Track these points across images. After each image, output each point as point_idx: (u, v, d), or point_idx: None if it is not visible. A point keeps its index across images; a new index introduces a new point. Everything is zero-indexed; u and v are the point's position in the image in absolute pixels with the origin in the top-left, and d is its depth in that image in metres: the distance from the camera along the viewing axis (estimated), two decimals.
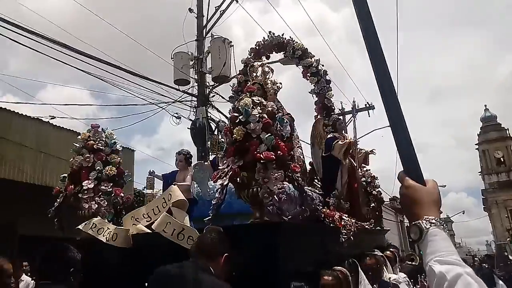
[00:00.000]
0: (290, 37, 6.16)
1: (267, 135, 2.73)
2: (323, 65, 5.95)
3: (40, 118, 8.75)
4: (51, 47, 7.16)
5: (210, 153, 5.82)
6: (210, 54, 9.69)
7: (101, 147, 3.51)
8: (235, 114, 2.86)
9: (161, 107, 9.81)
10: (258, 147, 2.71)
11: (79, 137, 3.60)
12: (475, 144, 45.92)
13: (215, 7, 10.15)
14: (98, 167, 3.40)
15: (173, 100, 9.80)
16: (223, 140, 3.47)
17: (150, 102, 9.63)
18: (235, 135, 2.77)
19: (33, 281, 5.34)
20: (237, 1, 10.03)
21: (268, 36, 6.27)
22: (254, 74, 5.48)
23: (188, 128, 9.22)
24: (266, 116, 2.83)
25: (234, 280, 2.32)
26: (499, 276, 6.76)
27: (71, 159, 3.51)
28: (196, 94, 9.83)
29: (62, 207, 3.45)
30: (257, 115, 2.79)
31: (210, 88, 9.95)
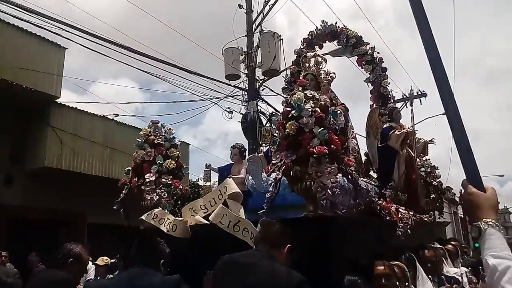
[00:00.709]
0: (344, 25, 6.02)
1: (320, 129, 2.74)
2: (378, 53, 5.78)
3: (106, 116, 9.58)
4: (103, 45, 7.53)
5: (264, 145, 5.90)
6: (260, 48, 9.83)
7: (161, 142, 3.71)
8: (288, 109, 2.88)
9: (214, 102, 10.02)
10: (311, 141, 2.72)
11: (141, 132, 3.82)
12: None
13: (264, 1, 10.21)
14: (159, 161, 3.59)
15: (225, 95, 10.02)
16: (275, 133, 3.52)
17: (204, 98, 9.89)
18: (288, 130, 2.80)
19: (93, 265, 5.83)
20: None
21: (321, 25, 6.18)
22: (307, 65, 5.44)
23: (239, 121, 9.44)
24: (318, 110, 2.83)
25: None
26: None
27: (134, 153, 3.74)
28: (247, 88, 9.97)
29: (127, 198, 3.69)
30: (310, 109, 2.79)
31: (260, 82, 10.05)
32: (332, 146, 2.74)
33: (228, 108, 9.98)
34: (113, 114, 9.42)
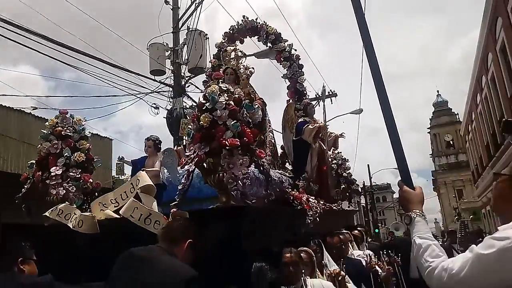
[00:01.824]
0: (264, 21, 6.17)
1: (233, 122, 2.80)
2: (295, 50, 6.02)
3: (22, 109, 8.85)
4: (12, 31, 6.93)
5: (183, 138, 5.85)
6: (186, 45, 9.81)
7: (69, 134, 3.49)
8: (202, 101, 2.90)
9: (140, 98, 9.80)
10: (224, 133, 2.77)
11: (47, 123, 3.57)
12: (427, 128, 49.07)
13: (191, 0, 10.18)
14: (66, 154, 3.39)
15: (151, 91, 9.86)
16: (190, 126, 3.53)
17: (130, 93, 9.61)
18: (201, 122, 2.82)
19: None
20: None
21: (242, 20, 6.26)
22: (227, 59, 5.50)
23: (164, 117, 9.34)
24: (232, 103, 2.88)
25: (200, 263, 2.42)
26: (457, 250, 7.15)
27: (39, 145, 3.49)
28: (172, 85, 9.91)
29: (30, 193, 3.44)
30: (224, 102, 2.84)
31: (186, 79, 10.07)
32: (244, 138, 2.81)
33: (154, 104, 9.88)
34: (31, 107, 8.72)
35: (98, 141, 10.70)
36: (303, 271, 2.90)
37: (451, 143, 47.10)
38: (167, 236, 2.18)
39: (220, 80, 3.15)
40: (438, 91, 51.12)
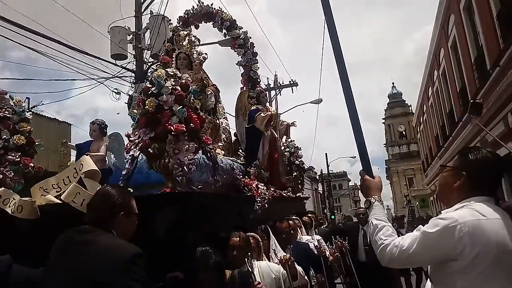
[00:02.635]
0: (219, 7, 6.11)
1: (179, 107, 2.79)
2: (250, 37, 6.02)
3: None
4: None
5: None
6: (148, 30, 9.67)
7: (8, 115, 3.33)
8: (148, 86, 2.86)
9: (100, 82, 9.48)
10: (170, 119, 2.76)
11: None
12: (382, 119, 51.49)
13: None
14: (4, 136, 3.23)
15: (112, 75, 9.61)
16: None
17: (90, 77, 9.33)
18: (147, 107, 2.79)
19: None
20: None
21: (197, 5, 6.16)
22: (180, 43, 5.42)
23: (125, 102, 9.13)
24: (179, 89, 2.87)
25: (147, 249, 2.42)
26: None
27: None
28: (134, 70, 9.70)
29: None
30: (170, 87, 2.82)
31: (149, 64, 9.84)
32: (191, 124, 2.82)
33: (116, 89, 9.64)
34: None
35: (56, 125, 10.33)
36: (249, 253, 2.98)
37: (404, 133, 49.49)
38: (99, 217, 2.06)
39: (168, 64, 3.10)
40: (393, 83, 53.45)
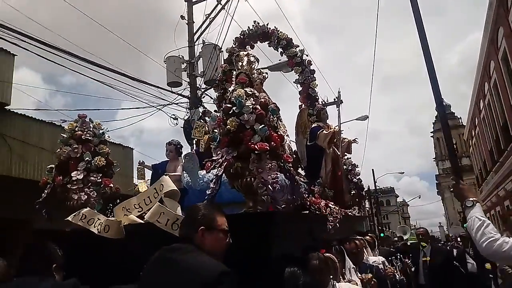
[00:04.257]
0: (275, 27, 6.17)
1: (260, 126, 2.77)
2: (307, 55, 6.02)
3: (53, 122, 9.42)
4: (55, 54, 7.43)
5: (195, 141, 5.82)
6: (201, 58, 10.31)
7: (89, 138, 3.46)
8: (229, 105, 2.88)
9: (159, 109, 10.10)
10: (252, 137, 2.75)
11: (66, 127, 3.53)
12: (430, 132, 49.38)
13: (205, 15, 10.64)
14: (87, 158, 3.35)
15: (169, 102, 10.24)
16: (214, 129, 3.51)
17: (150, 105, 9.93)
18: (228, 126, 2.80)
19: None
20: (224, 8, 10.27)
21: (253, 25, 6.26)
22: (240, 64, 5.49)
23: (181, 127, 9.62)
24: (259, 107, 2.87)
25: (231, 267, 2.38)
26: (471, 256, 7.13)
27: (58, 150, 3.45)
28: (189, 96, 10.28)
29: (50, 198, 3.39)
30: (251, 106, 2.82)
31: (202, 90, 10.45)
32: (272, 143, 2.79)
33: (174, 115, 10.22)
34: (60, 120, 8.99)
35: (121, 150, 11.23)
36: (331, 276, 2.87)
37: (455, 147, 47.48)
38: (184, 234, 2.08)
39: (244, 84, 3.12)
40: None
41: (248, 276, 2.49)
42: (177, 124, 10.02)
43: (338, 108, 5.30)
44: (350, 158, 6.78)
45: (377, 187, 35.32)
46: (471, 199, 2.22)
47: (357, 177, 6.73)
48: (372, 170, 32.72)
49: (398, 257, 5.26)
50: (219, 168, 2.73)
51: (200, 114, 5.62)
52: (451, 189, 2.46)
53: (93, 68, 8.03)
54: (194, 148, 5.22)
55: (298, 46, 6.09)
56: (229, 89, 5.86)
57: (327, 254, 3.33)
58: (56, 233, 3.26)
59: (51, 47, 7.16)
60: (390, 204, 67.41)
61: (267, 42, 6.32)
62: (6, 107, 8.89)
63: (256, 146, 2.68)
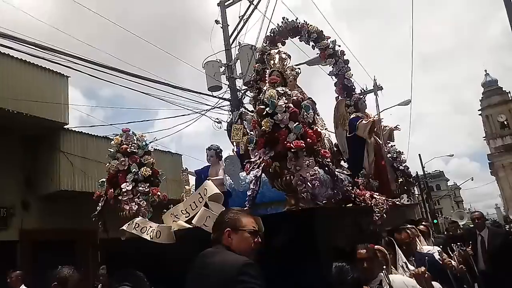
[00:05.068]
0: (304, 20, 6.13)
1: (295, 124, 2.80)
2: (339, 46, 5.93)
3: (108, 137, 9.92)
4: (101, 71, 7.90)
5: (234, 143, 5.92)
6: (239, 60, 10.48)
7: (134, 150, 3.64)
8: (262, 107, 2.92)
9: (202, 114, 10.44)
10: (288, 136, 2.77)
11: (112, 142, 3.74)
12: (478, 110, 46.64)
13: (239, 16, 10.86)
14: (133, 169, 3.54)
15: (212, 107, 10.56)
16: (250, 130, 3.57)
17: (195, 111, 10.31)
18: (263, 127, 2.84)
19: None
20: (256, 7, 10.41)
21: (282, 22, 6.25)
22: (272, 62, 5.51)
23: (224, 129, 9.83)
24: (292, 106, 2.88)
25: (278, 268, 2.43)
26: None
27: (107, 164, 3.66)
28: (230, 99, 10.53)
29: (104, 210, 3.61)
30: (283, 106, 2.85)
31: (242, 92, 10.63)
32: (308, 139, 2.80)
33: (217, 118, 10.41)
34: (113, 134, 9.68)
35: (170, 157, 12.00)
36: (384, 266, 2.84)
37: (505, 123, 44.49)
38: (213, 238, 2.20)
39: (276, 84, 3.15)
40: (486, 70, 48.54)
41: (295, 274, 2.53)
42: (220, 127, 10.25)
43: (376, 96, 5.17)
44: (394, 145, 6.60)
45: (425, 172, 33.90)
46: None
47: (404, 164, 6.54)
48: (419, 155, 31.52)
49: (456, 244, 5.05)
50: (258, 169, 2.78)
51: (237, 116, 5.70)
52: None
53: (131, 79, 8.38)
54: (235, 149, 5.31)
55: (330, 37, 6.00)
56: (263, 88, 5.90)
57: (377, 246, 3.29)
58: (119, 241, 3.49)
59: (90, 62, 7.54)
60: (441, 188, 64.46)
61: (298, 37, 6.29)
62: (65, 126, 9.71)
63: (292, 145, 2.71)
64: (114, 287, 2.51)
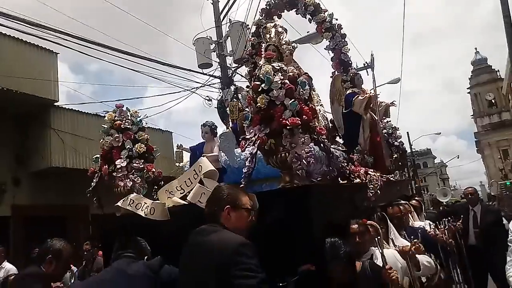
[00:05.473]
0: None
1: (290, 101, 2.76)
2: (336, 19, 5.80)
3: (98, 114, 10.17)
4: (89, 47, 7.81)
5: (230, 120, 5.88)
6: (229, 37, 10.35)
7: (128, 126, 3.59)
8: (257, 83, 2.87)
9: (192, 91, 10.44)
10: (283, 113, 2.74)
11: (106, 118, 3.69)
12: (467, 88, 46.83)
13: None
14: (128, 146, 3.50)
15: (202, 84, 10.55)
16: (245, 106, 3.52)
17: (185, 89, 10.40)
18: (259, 104, 2.81)
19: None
20: None
21: None
22: (268, 36, 5.39)
23: (215, 107, 9.84)
24: (288, 82, 2.84)
25: (273, 244, 2.45)
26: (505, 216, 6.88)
27: (101, 140, 3.62)
28: (220, 76, 10.46)
29: (99, 186, 3.60)
30: (279, 82, 2.80)
31: (233, 69, 10.55)
32: (304, 116, 2.78)
33: (207, 96, 10.49)
34: (104, 111, 9.67)
35: (160, 134, 11.94)
36: (377, 239, 2.88)
37: (493, 101, 44.69)
38: (209, 214, 2.20)
39: (272, 59, 3.08)
40: (476, 49, 48.41)
41: (289, 250, 2.56)
42: (211, 105, 10.21)
43: (372, 72, 5.12)
44: (390, 121, 6.59)
45: (413, 150, 34.07)
46: None
47: (398, 140, 6.56)
48: (407, 133, 31.61)
49: (447, 219, 5.13)
50: (253, 146, 2.76)
51: (233, 93, 5.65)
52: None
53: (119, 55, 8.29)
54: (231, 125, 5.27)
55: (327, 10, 5.87)
56: (259, 62, 5.81)
57: (369, 221, 3.33)
58: (110, 217, 3.50)
59: (79, 38, 7.41)
60: (428, 166, 65.15)
61: (294, 10, 6.14)
62: (55, 104, 9.66)
63: (287, 122, 2.68)
64: (117, 254, 2.51)
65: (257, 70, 2.98)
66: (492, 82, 44.52)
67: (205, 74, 10.49)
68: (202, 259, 1.95)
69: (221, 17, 10.71)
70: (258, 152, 2.89)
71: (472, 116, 47.42)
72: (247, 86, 5.80)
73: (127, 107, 3.76)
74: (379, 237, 3.04)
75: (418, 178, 35.31)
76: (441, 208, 9.31)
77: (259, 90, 2.83)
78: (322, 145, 2.97)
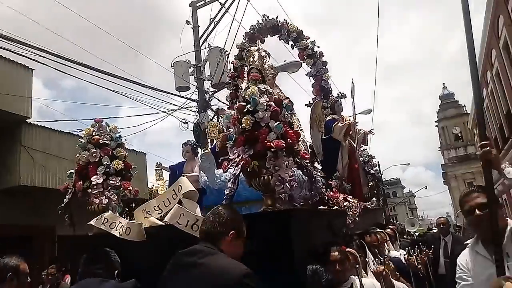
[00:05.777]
0: (284, 19, 6.11)
1: (276, 123, 2.75)
2: (318, 47, 5.95)
3: (71, 132, 9.97)
4: (65, 64, 7.65)
5: (209, 140, 5.83)
6: (208, 62, 10.42)
7: (106, 142, 3.49)
8: (243, 104, 2.86)
9: (169, 114, 10.37)
10: (268, 135, 2.73)
11: (83, 132, 3.57)
12: (435, 122, 49.01)
13: (210, 19, 10.75)
14: (105, 162, 3.38)
15: (179, 107, 10.51)
16: (222, 125, 3.49)
17: (161, 111, 10.28)
18: (243, 124, 2.78)
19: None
20: (227, 11, 10.30)
21: (262, 19, 6.21)
22: (251, 59, 5.44)
23: (191, 130, 9.90)
24: (273, 104, 2.84)
25: (253, 268, 2.38)
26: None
27: (77, 155, 3.49)
28: (197, 100, 10.47)
29: (71, 203, 3.44)
30: (265, 104, 2.80)
31: (210, 94, 10.62)
32: (288, 139, 2.77)
33: (184, 119, 10.45)
34: (77, 129, 9.35)
35: (134, 155, 11.82)
36: (356, 266, 2.85)
37: (460, 135, 46.75)
38: (209, 234, 2.05)
39: (257, 81, 3.09)
40: (444, 84, 51.05)
41: (269, 275, 2.49)
42: (187, 128, 10.17)
43: (352, 99, 5.23)
44: (366, 149, 6.71)
45: (383, 179, 34.81)
46: (505, 165, 2.31)
47: (374, 169, 6.68)
48: (378, 162, 32.35)
49: (417, 246, 5.17)
50: (236, 168, 2.72)
51: (214, 113, 5.63)
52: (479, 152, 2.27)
53: (95, 73, 8.16)
54: (210, 147, 5.22)
55: (309, 37, 6.02)
56: (241, 85, 5.83)
57: (348, 249, 3.31)
58: (78, 238, 3.32)
59: (53, 54, 7.27)
60: (397, 195, 66.61)
61: (277, 36, 6.26)
62: (27, 120, 9.34)
63: (272, 144, 2.66)
64: (84, 269, 2.38)
65: (242, 91, 2.97)
66: (458, 116, 46.56)
67: (182, 97, 10.52)
68: (199, 282, 1.82)
69: (201, 41, 10.82)
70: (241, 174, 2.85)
71: (439, 149, 49.19)
72: (228, 109, 5.80)
73: (106, 122, 3.66)
74: (358, 266, 3.01)
75: (388, 207, 35.92)
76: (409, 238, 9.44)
77: (244, 111, 2.82)
78: (305, 169, 2.96)
